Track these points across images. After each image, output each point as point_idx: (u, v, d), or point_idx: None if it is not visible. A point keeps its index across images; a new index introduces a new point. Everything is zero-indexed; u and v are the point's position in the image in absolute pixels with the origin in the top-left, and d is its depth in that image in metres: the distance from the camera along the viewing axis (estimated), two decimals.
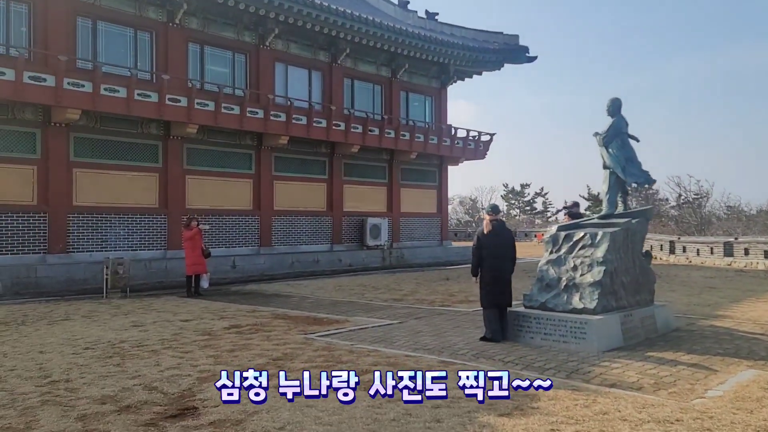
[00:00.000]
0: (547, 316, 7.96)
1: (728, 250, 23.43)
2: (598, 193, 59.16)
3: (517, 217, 63.31)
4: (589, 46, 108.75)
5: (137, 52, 18.24)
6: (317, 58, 22.82)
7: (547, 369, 6.63)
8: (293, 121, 20.68)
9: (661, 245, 27.11)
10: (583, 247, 8.26)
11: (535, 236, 45.68)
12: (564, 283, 8.18)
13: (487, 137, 27.65)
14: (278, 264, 20.64)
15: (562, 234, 8.52)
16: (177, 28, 18.67)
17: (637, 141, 9.07)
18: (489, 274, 8.32)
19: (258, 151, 21.20)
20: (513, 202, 66.20)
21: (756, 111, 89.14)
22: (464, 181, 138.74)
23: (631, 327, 8.06)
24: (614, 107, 9.00)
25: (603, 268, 7.96)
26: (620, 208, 9.06)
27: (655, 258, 26.86)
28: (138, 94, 16.88)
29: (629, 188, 9.80)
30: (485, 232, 8.40)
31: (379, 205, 25.20)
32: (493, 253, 8.32)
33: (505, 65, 27.79)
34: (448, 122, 27.42)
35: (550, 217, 62.70)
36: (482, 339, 8.20)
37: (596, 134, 9.17)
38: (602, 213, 8.90)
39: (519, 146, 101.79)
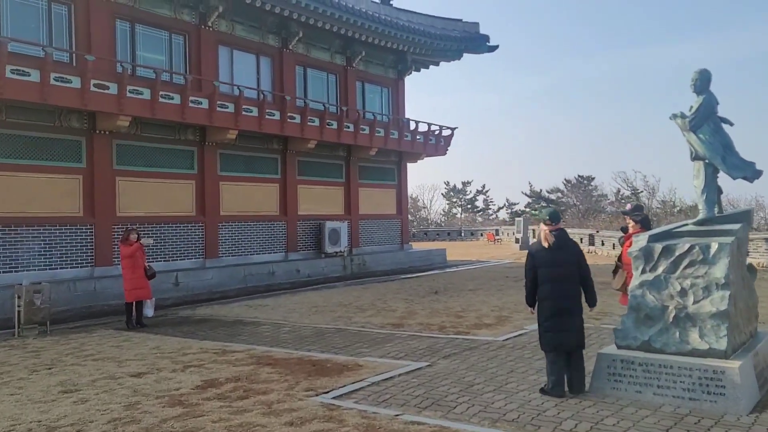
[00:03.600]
0: (660, 361, 5.86)
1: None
2: (541, 190, 59.02)
3: (458, 216, 62.11)
4: (525, 40, 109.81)
5: (52, 29, 14.98)
6: (266, 42, 20.08)
7: None
8: (243, 112, 17.90)
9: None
10: (691, 265, 6.22)
11: (482, 235, 44.40)
12: (672, 314, 6.11)
13: (449, 132, 25.72)
14: (229, 278, 17.82)
15: (658, 246, 6.45)
16: (102, 1, 15.54)
17: (731, 125, 7.13)
18: (549, 304, 6.13)
19: (201, 148, 18.28)
20: (454, 200, 65.04)
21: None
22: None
23: (762, 370, 6.11)
24: (703, 82, 6.99)
25: (726, 292, 5.95)
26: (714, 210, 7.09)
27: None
28: (55, 79, 13.69)
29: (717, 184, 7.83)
30: (546, 246, 6.22)
31: (337, 207, 22.73)
32: (555, 275, 6.13)
33: (465, 55, 26.01)
34: (406, 115, 25.29)
35: (492, 214, 61.98)
36: (542, 392, 6.06)
37: (677, 116, 7.14)
38: (700, 217, 6.87)
39: (460, 142, 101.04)
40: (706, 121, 7.00)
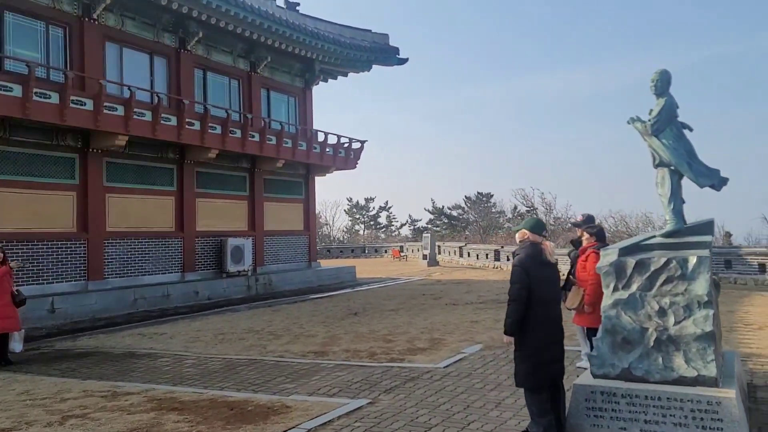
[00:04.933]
0: (646, 392, 5.11)
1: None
2: (443, 207, 59.48)
3: (361, 232, 61.38)
4: (435, 57, 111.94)
5: None
6: (161, 41, 18.33)
7: None
8: (134, 116, 16.05)
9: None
10: (669, 281, 5.55)
11: (386, 251, 43.85)
12: (654, 337, 5.40)
13: (358, 145, 24.85)
14: (116, 303, 15.78)
15: (631, 261, 5.75)
16: None
17: (691, 130, 6.65)
18: (541, 333, 5.14)
19: (84, 155, 16.20)
20: (357, 216, 64.24)
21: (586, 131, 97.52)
22: None
23: (744, 398, 5.54)
24: (663, 83, 6.44)
25: (710, 311, 5.32)
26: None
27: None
28: None
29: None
30: (549, 260, 5.31)
31: (240, 223, 21.10)
32: (550, 296, 5.28)
33: (374, 67, 25.36)
34: (314, 127, 24.15)
35: (395, 231, 61.77)
36: None
37: (635, 120, 6.58)
38: (669, 229, 6.26)
39: (363, 158, 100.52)
40: (668, 125, 6.44)
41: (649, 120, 6.43)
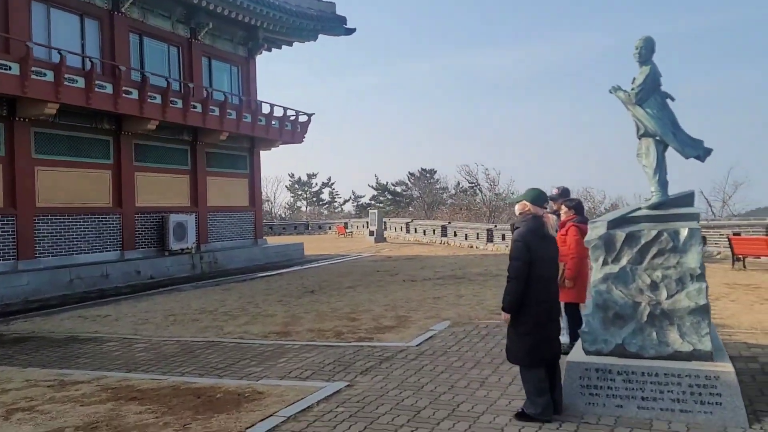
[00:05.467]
0: (643, 368, 4.97)
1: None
2: (387, 183, 59.08)
3: (303, 209, 60.46)
4: (379, 30, 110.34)
5: None
6: (92, 1, 16.99)
7: None
8: (65, 82, 14.88)
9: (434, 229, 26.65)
10: (660, 254, 5.42)
11: (330, 228, 43.35)
12: (647, 312, 5.27)
13: (305, 118, 24.12)
14: (50, 283, 14.75)
15: (621, 234, 5.59)
16: None
17: (673, 100, 6.50)
18: (541, 309, 4.89)
19: (10, 124, 14.96)
20: (299, 193, 63.14)
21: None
22: None
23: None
24: (647, 50, 6.24)
25: (702, 284, 5.22)
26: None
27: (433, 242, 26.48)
28: None
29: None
30: (548, 232, 5.05)
31: (182, 198, 20.14)
32: (550, 272, 5.03)
33: (320, 37, 24.58)
34: (258, 98, 23.25)
35: (338, 208, 61.12)
36: (521, 417, 4.87)
37: (617, 89, 6.38)
38: (655, 200, 6.11)
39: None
40: (652, 94, 6.27)
41: (633, 89, 6.24)
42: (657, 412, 4.83)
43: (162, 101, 17.70)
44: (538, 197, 5.16)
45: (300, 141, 24.17)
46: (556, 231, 6.44)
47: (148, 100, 17.26)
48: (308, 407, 5.40)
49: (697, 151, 6.18)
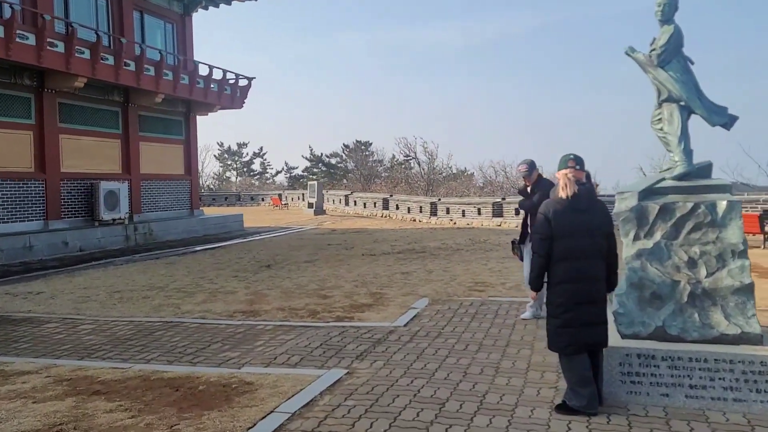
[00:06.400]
0: (691, 353, 4.54)
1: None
2: (321, 154, 57.47)
3: (233, 179, 58.32)
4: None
5: None
6: None
7: None
8: None
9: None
10: (697, 228, 5.01)
11: (263, 199, 41.95)
12: (687, 291, 4.85)
13: (246, 82, 22.77)
14: None
15: (654, 206, 5.14)
16: None
17: (693, 63, 6.09)
18: (572, 289, 4.35)
19: None
20: (229, 163, 60.78)
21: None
22: None
23: None
24: (671, 8, 5.74)
25: (745, 261, 4.85)
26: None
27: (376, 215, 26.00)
28: None
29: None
30: (563, 197, 4.47)
31: (113, 164, 18.55)
32: (580, 248, 4.39)
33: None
34: (195, 59, 21.67)
35: (269, 179, 59.33)
36: (562, 410, 4.36)
37: (634, 51, 5.91)
38: (680, 171, 5.67)
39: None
40: (675, 56, 5.81)
41: (655, 49, 5.75)
42: (707, 402, 4.42)
43: (91, 56, 16.05)
44: (564, 162, 4.61)
45: (240, 106, 22.83)
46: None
47: (76, 54, 15.58)
48: (312, 401, 4.68)
49: (723, 118, 5.78)
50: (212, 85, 21.08)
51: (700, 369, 4.51)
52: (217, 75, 21.31)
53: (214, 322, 7.55)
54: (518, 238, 7.55)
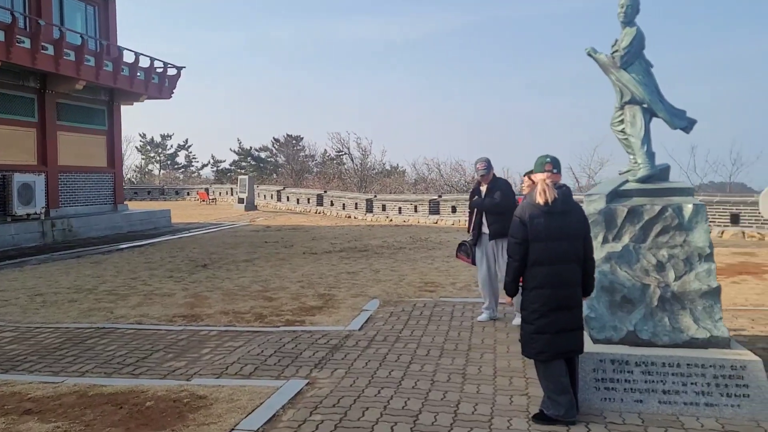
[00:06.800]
0: (664, 358, 4.50)
1: (369, 207, 23.47)
2: (251, 148, 55.85)
3: (156, 172, 55.94)
4: None
5: None
6: None
7: None
8: None
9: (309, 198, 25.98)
10: (665, 231, 5.01)
11: (189, 194, 40.45)
12: (657, 295, 4.83)
13: (174, 71, 21.72)
14: None
15: (622, 209, 5.11)
16: None
17: (652, 66, 6.13)
18: (548, 294, 4.22)
19: None
20: (152, 155, 58.22)
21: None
22: None
23: None
24: (633, 10, 5.75)
25: (711, 264, 4.88)
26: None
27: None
28: None
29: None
30: (541, 204, 4.33)
31: (28, 156, 17.22)
32: (557, 252, 4.25)
33: None
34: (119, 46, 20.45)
35: (195, 172, 57.30)
36: (540, 419, 4.22)
37: (596, 51, 5.89)
38: (643, 173, 5.66)
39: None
40: (637, 59, 5.84)
41: (618, 51, 5.74)
42: (680, 407, 4.40)
43: (5, 38, 14.79)
44: (540, 165, 4.49)
45: (168, 97, 21.76)
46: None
47: None
48: (274, 416, 4.33)
49: (684, 122, 5.83)
50: (138, 73, 19.96)
51: (673, 374, 4.48)
52: (144, 63, 20.25)
53: (152, 328, 7.01)
54: (470, 239, 7.28)
